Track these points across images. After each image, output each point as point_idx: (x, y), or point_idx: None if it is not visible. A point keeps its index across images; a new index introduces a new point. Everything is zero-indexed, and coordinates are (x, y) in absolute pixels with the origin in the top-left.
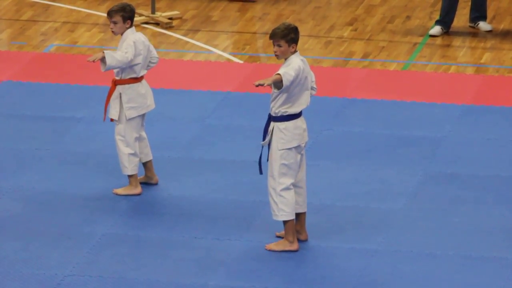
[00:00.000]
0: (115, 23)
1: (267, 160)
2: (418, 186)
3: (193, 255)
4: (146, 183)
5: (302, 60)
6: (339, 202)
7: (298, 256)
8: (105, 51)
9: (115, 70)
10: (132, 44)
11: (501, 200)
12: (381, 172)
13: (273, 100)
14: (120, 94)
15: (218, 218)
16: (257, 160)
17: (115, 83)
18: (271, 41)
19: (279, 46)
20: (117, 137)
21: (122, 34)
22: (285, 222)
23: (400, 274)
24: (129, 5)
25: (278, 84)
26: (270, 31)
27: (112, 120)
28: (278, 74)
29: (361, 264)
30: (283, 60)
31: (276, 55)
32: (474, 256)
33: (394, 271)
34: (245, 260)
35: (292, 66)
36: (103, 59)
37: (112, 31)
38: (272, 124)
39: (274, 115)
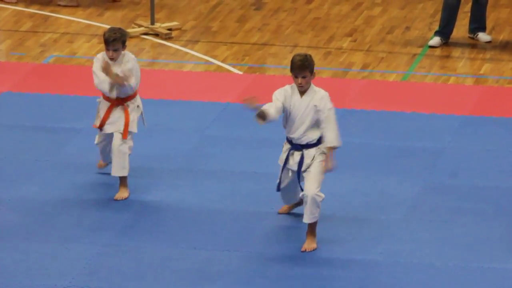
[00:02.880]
0: (116, 50)
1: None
2: (418, 197)
3: (193, 266)
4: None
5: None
6: (339, 212)
7: (297, 267)
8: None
9: (116, 91)
10: (138, 69)
11: (500, 211)
12: (381, 183)
13: (305, 131)
14: (138, 105)
15: (217, 229)
16: (256, 171)
17: (124, 100)
18: (294, 73)
19: (304, 77)
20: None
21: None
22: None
23: (400, 285)
24: (122, 29)
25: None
26: (270, 42)
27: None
28: (332, 147)
29: (361, 275)
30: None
31: (300, 87)
32: (474, 267)
33: (394, 282)
34: (244, 271)
35: (334, 126)
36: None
37: (112, 59)
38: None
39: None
